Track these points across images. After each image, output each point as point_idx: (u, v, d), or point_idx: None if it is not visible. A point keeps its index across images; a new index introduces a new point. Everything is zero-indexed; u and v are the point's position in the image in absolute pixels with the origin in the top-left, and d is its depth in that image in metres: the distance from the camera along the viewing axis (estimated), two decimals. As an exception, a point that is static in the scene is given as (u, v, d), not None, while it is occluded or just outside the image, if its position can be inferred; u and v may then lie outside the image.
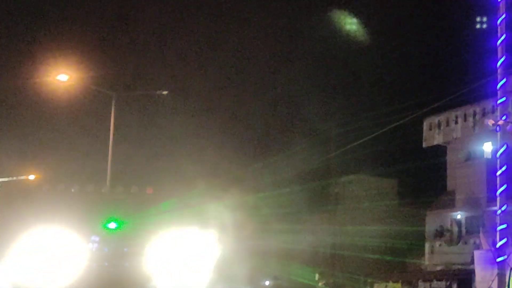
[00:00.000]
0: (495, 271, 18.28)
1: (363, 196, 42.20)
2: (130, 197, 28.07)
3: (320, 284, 19.17)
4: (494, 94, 20.03)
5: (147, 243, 22.99)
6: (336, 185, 42.07)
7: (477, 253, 21.23)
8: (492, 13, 19.28)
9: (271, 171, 39.06)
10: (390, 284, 30.06)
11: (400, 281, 30.60)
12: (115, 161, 27.79)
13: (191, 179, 31.73)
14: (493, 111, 30.93)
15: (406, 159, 38.92)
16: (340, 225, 40.34)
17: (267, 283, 41.45)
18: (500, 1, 19.09)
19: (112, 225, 23.25)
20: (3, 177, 40.31)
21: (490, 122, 19.26)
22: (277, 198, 40.00)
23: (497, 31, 19.10)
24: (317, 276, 21.29)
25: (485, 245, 21.22)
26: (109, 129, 28.89)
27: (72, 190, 29.73)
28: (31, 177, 39.86)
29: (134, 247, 26.20)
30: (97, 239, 24.56)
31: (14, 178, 40.33)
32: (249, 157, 39.75)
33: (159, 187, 29.61)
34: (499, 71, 18.96)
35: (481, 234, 24.03)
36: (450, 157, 35.31)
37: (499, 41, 18.94)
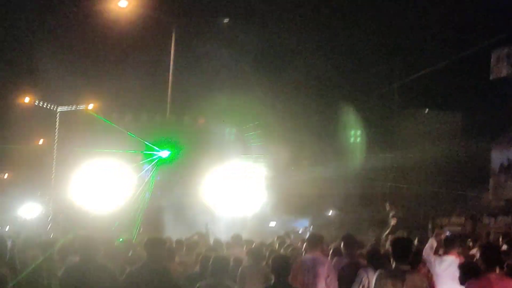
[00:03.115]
0: None
1: (424, 130, 40.98)
2: (182, 126, 27.55)
3: (390, 214, 18.42)
4: None
5: (201, 173, 22.55)
6: (396, 119, 40.98)
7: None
8: None
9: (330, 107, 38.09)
10: (453, 218, 29.04)
11: (464, 215, 29.59)
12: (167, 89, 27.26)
13: (244, 112, 31.02)
14: None
15: (472, 93, 37.46)
16: (400, 160, 39.39)
17: (330, 213, 40.95)
18: None
19: (165, 153, 22.73)
20: (62, 107, 40.78)
21: None
22: (334, 131, 39.17)
23: None
24: (387, 205, 20.52)
25: None
26: (165, 59, 28.27)
27: (126, 119, 29.34)
28: (90, 106, 40.37)
29: (186, 176, 25.78)
30: (150, 167, 24.11)
31: (74, 107, 40.75)
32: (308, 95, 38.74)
33: (210, 117, 28.95)
34: None
35: None
36: (518, 89, 33.78)
37: None
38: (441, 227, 26.13)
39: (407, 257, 8.29)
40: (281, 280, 8.42)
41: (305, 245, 11.52)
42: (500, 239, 13.60)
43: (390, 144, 40.94)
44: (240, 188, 22.44)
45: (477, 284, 7.96)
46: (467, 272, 8.76)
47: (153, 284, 8.86)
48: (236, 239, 14.60)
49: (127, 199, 21.73)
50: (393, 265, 8.23)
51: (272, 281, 8.52)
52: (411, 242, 8.90)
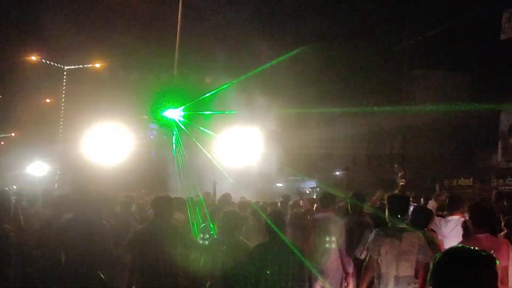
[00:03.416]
0: None
1: (433, 91, 40.62)
2: (188, 85, 27.44)
3: (398, 175, 18.32)
4: None
5: (208, 131, 22.48)
6: (404, 80, 40.61)
7: None
8: None
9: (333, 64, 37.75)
10: (461, 180, 28.96)
11: (472, 177, 29.48)
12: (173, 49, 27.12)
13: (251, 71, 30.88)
14: None
15: (482, 53, 36.98)
16: (409, 121, 39.13)
17: (337, 173, 40.84)
18: None
19: (169, 113, 22.60)
20: (70, 65, 40.89)
21: None
22: (340, 92, 38.90)
23: None
24: (396, 166, 20.45)
25: None
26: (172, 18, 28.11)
27: (132, 77, 29.20)
28: (97, 65, 40.57)
29: (193, 135, 25.64)
30: (155, 127, 24.02)
31: (81, 66, 40.86)
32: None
33: (216, 77, 28.79)
34: None
35: None
36: (529, 50, 33.44)
37: None
38: (449, 188, 26.08)
39: (404, 215, 8.27)
40: (275, 236, 8.22)
41: (318, 204, 11.49)
42: (505, 201, 13.47)
43: (399, 105, 40.66)
44: (246, 146, 22.41)
45: (466, 244, 7.89)
46: (464, 231, 8.78)
47: (160, 242, 8.79)
48: (225, 199, 14.50)
49: (133, 157, 21.74)
50: (390, 223, 8.19)
51: (267, 238, 8.35)
52: (408, 200, 8.88)
